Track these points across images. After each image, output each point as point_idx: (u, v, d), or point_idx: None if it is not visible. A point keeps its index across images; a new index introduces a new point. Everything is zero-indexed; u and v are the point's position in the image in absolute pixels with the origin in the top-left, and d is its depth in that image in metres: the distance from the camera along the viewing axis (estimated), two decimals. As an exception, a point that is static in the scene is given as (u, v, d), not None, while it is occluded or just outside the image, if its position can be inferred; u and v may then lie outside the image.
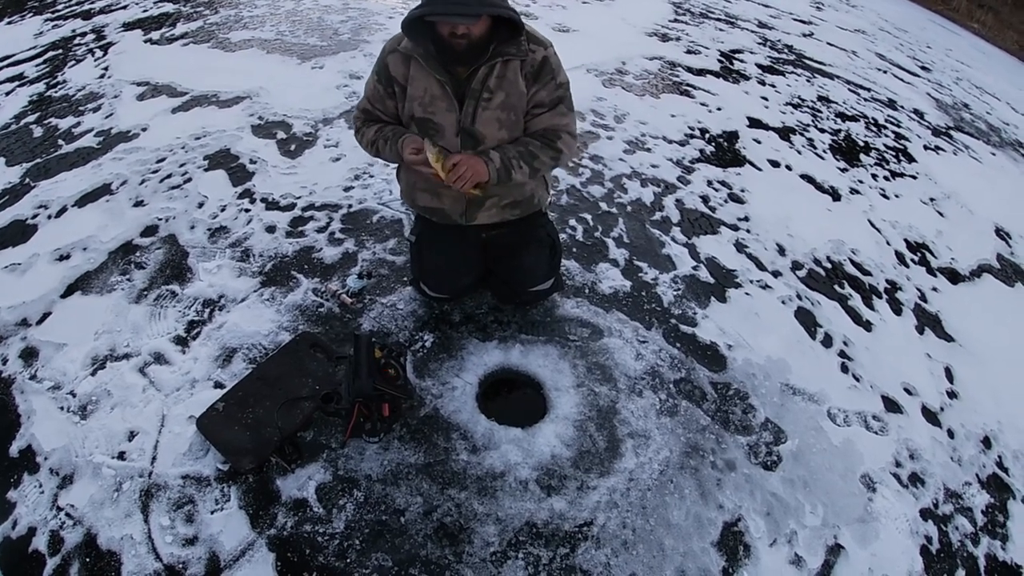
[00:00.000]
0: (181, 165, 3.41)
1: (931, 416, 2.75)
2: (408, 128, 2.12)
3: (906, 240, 3.97)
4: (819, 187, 4.25)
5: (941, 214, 4.44)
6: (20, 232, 2.96)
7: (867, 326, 3.11)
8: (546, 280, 2.51)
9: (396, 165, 2.41)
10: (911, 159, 5.20)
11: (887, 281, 3.50)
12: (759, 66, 6.35)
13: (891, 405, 2.72)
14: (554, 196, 3.37)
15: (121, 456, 2.04)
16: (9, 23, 5.65)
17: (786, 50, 7.23)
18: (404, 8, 6.05)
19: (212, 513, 1.90)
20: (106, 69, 4.54)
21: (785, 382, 2.63)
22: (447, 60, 1.94)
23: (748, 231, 3.54)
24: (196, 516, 1.89)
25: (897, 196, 4.48)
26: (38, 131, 3.81)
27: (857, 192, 4.33)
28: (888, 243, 3.86)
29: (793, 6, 9.70)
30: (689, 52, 6.24)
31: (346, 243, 2.93)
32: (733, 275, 3.15)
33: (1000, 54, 12.75)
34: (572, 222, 3.25)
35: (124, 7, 5.83)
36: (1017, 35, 14.47)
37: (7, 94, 4.31)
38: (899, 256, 3.78)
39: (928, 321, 3.33)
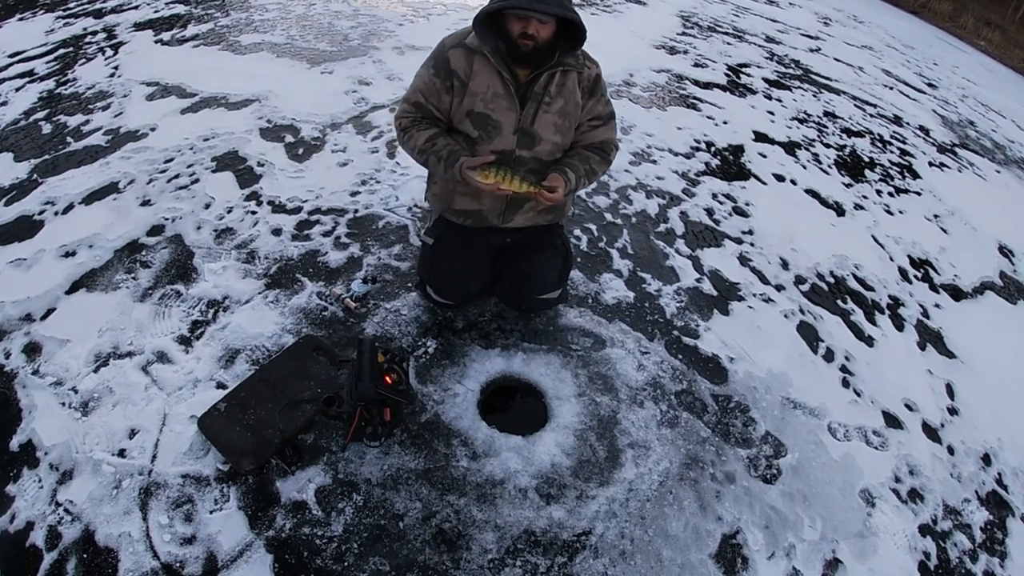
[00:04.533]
0: (189, 166, 3.42)
1: (931, 432, 2.75)
2: (461, 125, 2.15)
3: (909, 256, 3.98)
4: (823, 202, 4.26)
5: (945, 231, 4.45)
6: (27, 228, 2.97)
7: (869, 341, 3.12)
8: (555, 289, 2.52)
9: (427, 170, 2.43)
10: (916, 175, 5.22)
11: (889, 297, 3.51)
12: (766, 80, 6.38)
13: (891, 420, 2.72)
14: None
15: (121, 453, 2.04)
16: (21, 19, 5.68)
17: (793, 65, 7.27)
18: (414, 16, 6.08)
19: (211, 513, 1.90)
20: (116, 68, 4.56)
21: (786, 396, 2.63)
22: (514, 59, 2.02)
23: (752, 244, 3.55)
24: (195, 515, 1.89)
25: (901, 212, 4.49)
26: (47, 128, 3.83)
27: (861, 208, 4.34)
28: (891, 259, 3.87)
29: (801, 21, 9.76)
30: (696, 65, 6.28)
31: (351, 248, 2.94)
32: (736, 288, 3.16)
33: (1007, 72, 12.80)
34: (577, 232, 3.27)
35: (135, 7, 5.87)
36: None
37: (17, 90, 4.32)
38: (902, 272, 3.79)
39: (930, 337, 3.33)
